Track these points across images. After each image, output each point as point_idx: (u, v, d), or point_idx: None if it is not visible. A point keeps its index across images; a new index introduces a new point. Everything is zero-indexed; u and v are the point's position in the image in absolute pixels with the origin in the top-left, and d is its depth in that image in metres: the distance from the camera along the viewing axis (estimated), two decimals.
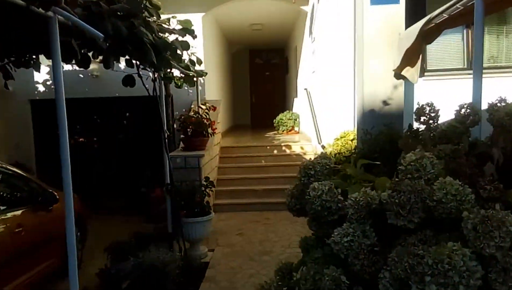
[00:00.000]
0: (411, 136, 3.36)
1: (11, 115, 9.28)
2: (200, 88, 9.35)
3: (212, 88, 10.83)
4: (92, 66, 9.45)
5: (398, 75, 4.40)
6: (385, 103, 4.45)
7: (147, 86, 5.16)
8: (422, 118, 2.43)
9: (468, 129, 2.32)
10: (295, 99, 13.21)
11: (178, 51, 4.81)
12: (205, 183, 6.18)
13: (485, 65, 7.74)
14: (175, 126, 8.14)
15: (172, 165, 6.99)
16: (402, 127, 4.44)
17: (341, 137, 6.38)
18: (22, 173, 4.71)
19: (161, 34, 4.58)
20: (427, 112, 2.43)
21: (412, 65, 4.27)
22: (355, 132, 6.35)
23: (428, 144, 2.36)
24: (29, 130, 9.59)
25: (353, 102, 7.05)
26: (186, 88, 8.85)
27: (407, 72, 4.31)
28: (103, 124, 9.86)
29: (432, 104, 2.44)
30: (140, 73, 4.89)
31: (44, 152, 9.57)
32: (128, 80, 4.83)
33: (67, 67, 9.44)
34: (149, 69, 4.86)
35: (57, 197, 5.00)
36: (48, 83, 9.51)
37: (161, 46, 4.42)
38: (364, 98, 4.49)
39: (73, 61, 4.06)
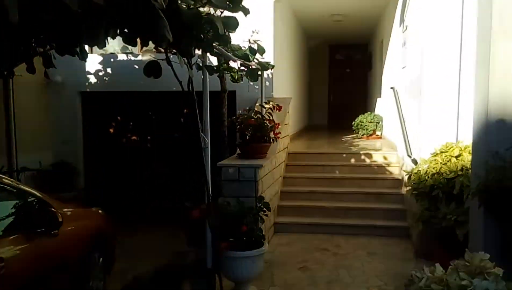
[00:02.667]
0: None
1: (59, 108, 8.49)
2: (267, 83, 8.10)
3: (283, 84, 9.51)
4: (148, 56, 8.47)
5: None
6: None
7: (181, 78, 3.99)
8: None
9: None
10: (378, 99, 11.54)
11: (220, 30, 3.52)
12: (259, 205, 4.90)
13: None
14: (237, 126, 6.80)
15: (222, 177, 5.82)
16: None
17: (441, 152, 4.74)
18: (18, 185, 3.71)
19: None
20: None
21: None
22: (461, 146, 4.72)
23: None
24: (78, 125, 8.71)
25: (456, 105, 5.38)
26: (251, 83, 7.61)
27: None
28: (158, 121, 8.80)
29: None
30: (171, 59, 3.73)
31: (93, 151, 8.74)
32: (152, 69, 3.63)
33: (122, 56, 8.57)
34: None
35: (60, 219, 3.59)
36: (100, 74, 8.56)
37: (189, 17, 3.18)
38: (489, 102, 2.96)
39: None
